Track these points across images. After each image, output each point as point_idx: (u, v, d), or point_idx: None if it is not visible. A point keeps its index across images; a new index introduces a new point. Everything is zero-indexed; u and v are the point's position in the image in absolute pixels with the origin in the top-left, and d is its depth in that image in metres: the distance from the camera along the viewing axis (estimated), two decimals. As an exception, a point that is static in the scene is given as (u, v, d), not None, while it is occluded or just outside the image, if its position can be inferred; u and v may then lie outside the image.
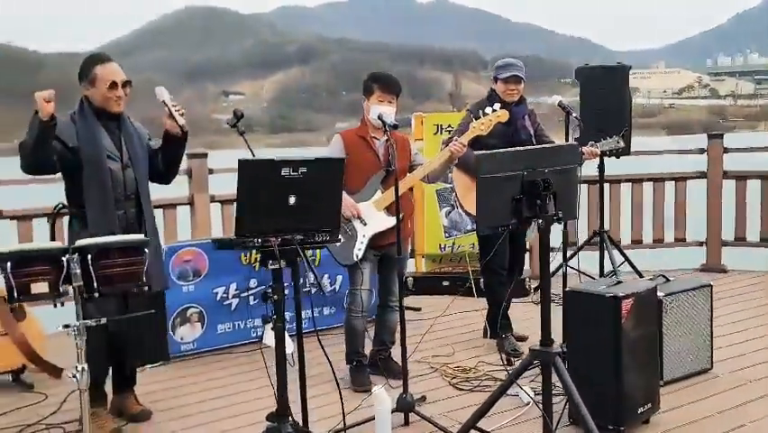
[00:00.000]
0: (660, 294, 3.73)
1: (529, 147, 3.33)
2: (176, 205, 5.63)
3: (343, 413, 3.19)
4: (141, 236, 2.90)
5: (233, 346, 4.82)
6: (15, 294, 2.45)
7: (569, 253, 5.38)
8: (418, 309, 5.57)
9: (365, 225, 3.94)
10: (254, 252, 3.43)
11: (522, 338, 4.75)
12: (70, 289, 2.57)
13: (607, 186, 6.21)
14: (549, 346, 3.00)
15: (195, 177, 5.71)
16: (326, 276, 5.13)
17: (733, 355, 4.35)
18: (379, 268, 4.12)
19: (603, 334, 3.32)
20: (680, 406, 3.65)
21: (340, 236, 3.80)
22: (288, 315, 3.63)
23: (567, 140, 4.62)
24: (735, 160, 6.84)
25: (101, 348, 3.42)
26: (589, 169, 5.61)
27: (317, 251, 4.68)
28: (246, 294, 4.86)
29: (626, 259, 6.00)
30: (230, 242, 2.80)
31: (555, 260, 4.61)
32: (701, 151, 6.75)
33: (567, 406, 3.30)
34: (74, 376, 2.56)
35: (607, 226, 6.07)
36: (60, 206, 3.54)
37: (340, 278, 5.13)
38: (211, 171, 5.78)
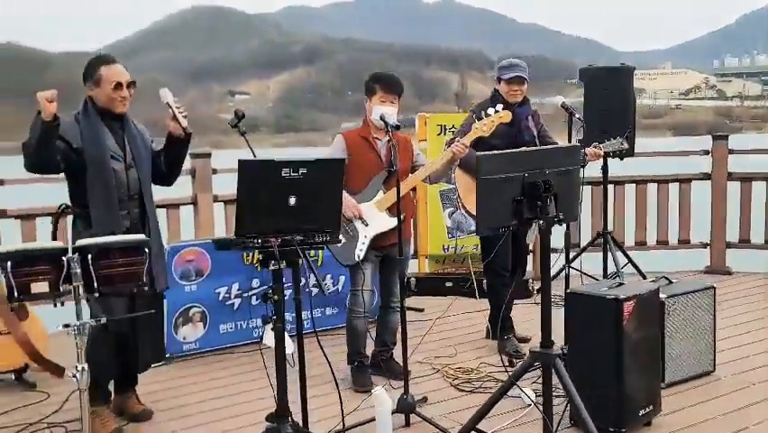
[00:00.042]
0: (662, 296, 3.72)
1: (530, 148, 3.31)
2: (179, 205, 5.64)
3: (342, 414, 3.19)
4: (141, 236, 2.90)
5: (235, 346, 4.82)
6: (15, 294, 2.45)
7: (572, 255, 5.40)
8: (421, 310, 5.56)
9: (367, 225, 3.93)
10: (256, 252, 3.43)
11: (524, 339, 4.75)
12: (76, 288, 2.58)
13: (611, 187, 6.20)
14: (549, 348, 2.99)
15: (198, 177, 5.72)
16: (329, 276, 5.13)
17: (736, 358, 4.33)
18: (381, 269, 4.12)
19: (604, 336, 3.31)
20: (681, 408, 3.64)
21: (341, 237, 3.82)
22: (289, 315, 3.65)
23: (570, 141, 4.62)
24: (741, 161, 6.81)
25: (108, 349, 3.43)
26: (592, 170, 5.60)
27: (319, 251, 4.69)
28: (248, 294, 4.87)
29: (630, 261, 5.98)
30: (229, 242, 2.80)
31: (558, 261, 4.62)
32: (706, 152, 6.72)
33: (568, 408, 3.30)
34: (74, 376, 2.56)
35: (610, 228, 6.06)
36: (64, 206, 3.55)
37: (342, 278, 5.13)
38: (214, 171, 5.78)
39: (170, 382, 4.27)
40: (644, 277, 5.69)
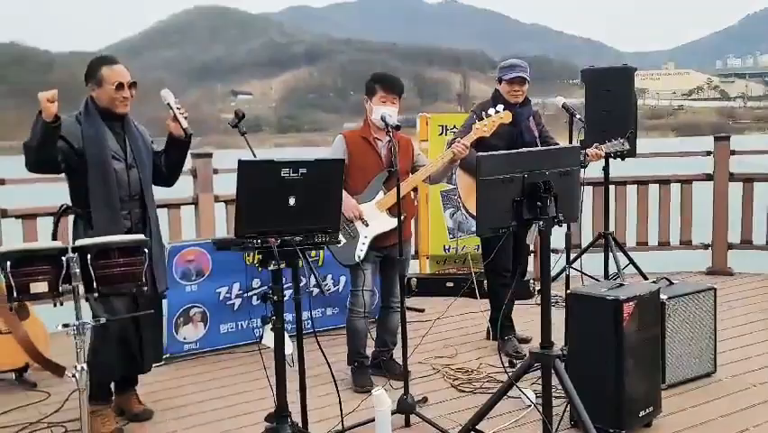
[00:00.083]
0: (663, 297, 3.71)
1: (530, 149, 3.31)
2: (180, 205, 5.64)
3: (342, 414, 3.19)
4: (141, 236, 2.90)
5: (236, 346, 4.82)
6: (15, 293, 2.45)
7: (573, 255, 5.38)
8: (422, 311, 5.57)
9: (367, 226, 3.93)
10: (256, 252, 3.44)
11: (525, 340, 4.74)
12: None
13: (612, 187, 6.18)
14: (549, 349, 2.99)
15: (199, 177, 5.72)
16: (330, 277, 5.13)
17: (737, 359, 4.33)
18: (381, 269, 4.12)
19: (604, 336, 3.31)
20: (682, 409, 3.63)
21: (341, 237, 3.82)
22: (290, 315, 3.65)
23: (571, 141, 4.62)
24: (743, 162, 6.80)
25: (110, 348, 3.43)
26: (594, 170, 5.60)
27: (321, 251, 4.69)
28: (249, 294, 4.87)
29: (631, 261, 5.97)
30: (229, 242, 2.80)
31: (559, 262, 4.62)
32: (708, 153, 6.71)
33: (568, 408, 3.29)
34: (73, 376, 2.56)
35: (612, 228, 6.05)
36: (65, 207, 3.56)
37: (343, 279, 5.13)
38: (215, 171, 5.78)
39: (171, 382, 4.27)
40: (646, 278, 5.68)
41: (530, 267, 6.14)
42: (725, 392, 3.85)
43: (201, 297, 4.74)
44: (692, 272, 6.64)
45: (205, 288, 4.74)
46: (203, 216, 5.73)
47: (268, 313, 2.86)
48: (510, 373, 3.23)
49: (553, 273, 5.64)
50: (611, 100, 5.69)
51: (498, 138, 4.15)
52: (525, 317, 5.08)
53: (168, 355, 4.57)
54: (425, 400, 3.83)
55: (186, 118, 3.51)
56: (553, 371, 2.99)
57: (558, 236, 3.80)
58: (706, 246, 6.80)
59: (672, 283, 3.99)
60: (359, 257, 3.93)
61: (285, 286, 2.88)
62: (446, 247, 6.37)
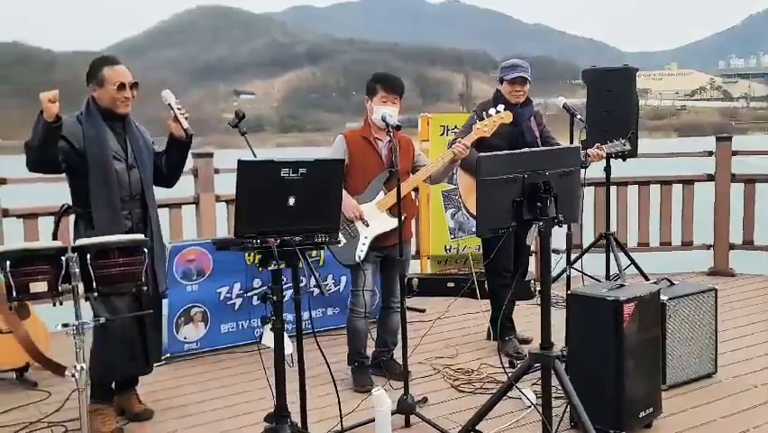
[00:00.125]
0: (663, 298, 3.71)
1: (530, 149, 3.31)
2: (181, 204, 5.65)
3: (341, 414, 3.19)
4: (140, 236, 2.90)
5: (237, 346, 4.82)
6: (14, 293, 2.46)
7: (575, 256, 5.38)
8: (423, 311, 5.56)
9: (367, 226, 3.93)
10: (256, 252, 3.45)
11: (526, 341, 4.74)
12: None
13: (614, 188, 6.17)
14: (548, 350, 2.99)
15: (200, 176, 5.73)
16: (330, 277, 5.13)
17: (738, 360, 4.32)
18: (382, 269, 4.11)
19: (605, 337, 3.30)
20: (682, 410, 3.62)
21: (342, 237, 3.82)
22: (290, 316, 3.65)
23: (571, 142, 4.61)
24: (746, 162, 6.78)
25: (112, 348, 3.43)
26: (595, 171, 5.59)
27: (321, 251, 4.69)
28: (250, 294, 4.87)
29: (632, 262, 5.97)
30: (228, 242, 2.80)
31: (561, 263, 4.61)
32: (709, 153, 6.70)
33: (568, 409, 3.29)
34: (72, 375, 2.56)
35: (613, 229, 6.04)
36: (66, 207, 3.57)
37: (344, 279, 5.13)
38: (217, 171, 5.79)
39: (171, 382, 4.27)
40: (647, 278, 5.68)
41: (531, 267, 6.13)
42: (726, 393, 3.84)
43: (202, 297, 4.74)
44: (694, 273, 6.63)
45: (205, 288, 4.74)
46: (204, 216, 5.73)
47: (268, 313, 2.86)
48: (510, 374, 3.23)
49: (554, 274, 5.66)
50: (612, 100, 5.69)
51: (499, 138, 4.14)
52: (526, 317, 5.07)
53: (168, 355, 4.57)
54: (425, 400, 3.82)
55: (186, 119, 3.51)
56: (552, 372, 2.99)
57: (559, 237, 3.80)
58: (707, 247, 6.79)
59: (672, 284, 3.98)
60: (359, 257, 3.93)
61: (285, 286, 2.89)
62: (447, 247, 6.37)
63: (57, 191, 3.99)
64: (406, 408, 3.52)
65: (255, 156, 2.98)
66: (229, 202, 5.73)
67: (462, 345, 4.80)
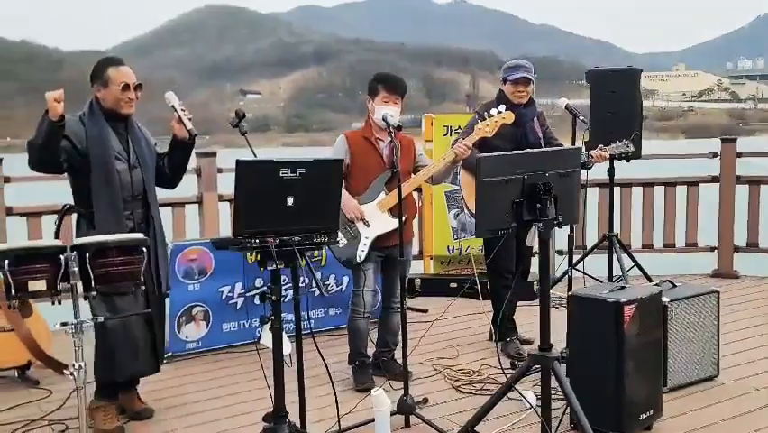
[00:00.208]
0: (665, 300, 3.69)
1: (530, 150, 3.30)
2: (184, 203, 5.66)
3: (338, 414, 3.19)
4: (139, 235, 2.91)
5: (238, 346, 4.83)
6: (13, 291, 2.46)
7: (578, 257, 5.37)
8: (425, 311, 5.56)
9: (368, 226, 3.93)
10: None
11: (527, 342, 4.72)
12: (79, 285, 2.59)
13: (617, 189, 6.16)
14: (548, 351, 2.98)
15: (204, 176, 5.74)
16: (332, 277, 5.13)
17: (740, 363, 4.30)
18: (383, 269, 4.11)
19: (605, 339, 3.29)
20: (683, 413, 3.61)
21: (343, 238, 3.82)
22: (291, 315, 3.65)
23: (574, 142, 4.60)
24: (751, 164, 6.75)
25: (113, 348, 3.44)
26: (599, 172, 5.58)
27: (323, 251, 4.69)
28: (251, 294, 4.87)
29: (636, 263, 5.94)
30: (227, 242, 2.80)
31: (564, 264, 4.61)
32: (714, 155, 6.68)
33: (568, 411, 3.28)
34: (71, 374, 2.57)
35: (617, 230, 6.02)
36: (68, 206, 3.58)
37: (346, 279, 5.13)
38: (220, 171, 5.80)
39: (172, 381, 4.28)
40: (650, 280, 5.66)
41: (534, 268, 6.12)
42: (727, 396, 3.82)
43: (203, 296, 4.75)
44: (698, 275, 6.61)
45: (207, 287, 4.75)
46: (207, 215, 5.74)
47: (266, 313, 2.87)
48: (507, 376, 3.22)
49: (557, 275, 5.66)
50: (616, 101, 5.66)
51: (501, 139, 4.13)
52: (528, 318, 5.05)
53: (170, 354, 4.57)
54: (425, 400, 3.82)
55: (190, 120, 3.53)
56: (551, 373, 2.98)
57: (563, 238, 3.80)
58: (712, 249, 6.76)
59: (674, 286, 3.97)
60: (360, 258, 3.92)
61: (285, 286, 2.88)
62: (450, 248, 6.36)
63: (61, 190, 4.00)
64: (405, 408, 3.52)
65: (255, 156, 2.98)
66: (232, 202, 5.73)
67: (464, 346, 4.79)
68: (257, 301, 4.77)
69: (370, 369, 4.15)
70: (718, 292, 4.05)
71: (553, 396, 3.13)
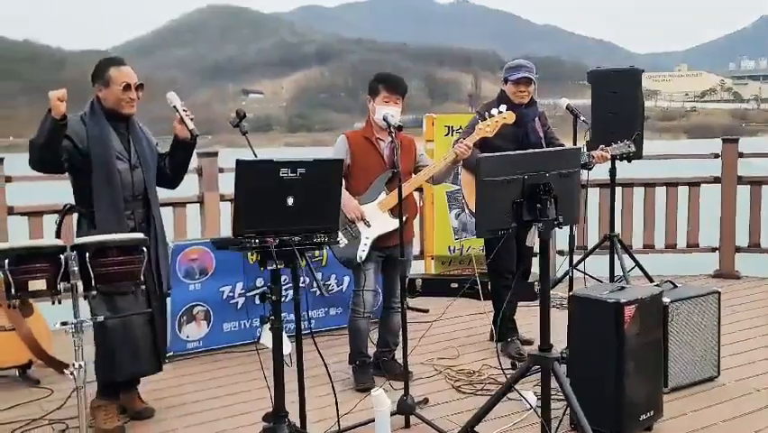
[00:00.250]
0: (665, 300, 3.69)
1: (531, 150, 3.30)
2: (186, 203, 5.66)
3: (338, 414, 3.18)
4: (139, 235, 2.91)
5: (239, 346, 4.83)
6: (13, 291, 2.47)
7: (579, 257, 5.36)
8: (426, 311, 5.55)
9: (369, 226, 3.93)
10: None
11: (528, 342, 4.72)
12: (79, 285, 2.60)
13: (619, 189, 6.15)
14: (548, 351, 2.98)
15: (205, 176, 5.75)
16: (333, 277, 5.13)
17: (741, 363, 4.29)
18: (384, 269, 4.11)
19: (605, 339, 3.29)
20: (683, 414, 3.60)
21: (343, 238, 3.82)
22: (291, 315, 3.65)
23: (575, 143, 4.59)
24: (753, 164, 6.74)
25: (114, 348, 3.45)
26: (601, 172, 5.57)
27: (324, 251, 4.69)
28: (252, 293, 4.87)
29: (637, 264, 5.93)
30: (227, 242, 2.81)
31: (565, 264, 4.60)
32: (716, 155, 6.67)
33: (568, 411, 3.27)
34: (71, 373, 2.57)
35: (618, 231, 6.02)
36: (69, 206, 3.59)
37: (347, 279, 5.13)
38: (221, 170, 5.80)
39: (173, 381, 4.28)
40: (651, 280, 5.66)
41: (535, 268, 6.11)
42: (728, 397, 3.82)
43: (204, 295, 4.75)
44: (699, 275, 6.60)
45: (208, 286, 4.75)
46: (208, 215, 5.75)
47: (266, 313, 2.87)
48: (507, 376, 3.22)
49: (558, 275, 5.65)
50: (618, 102, 5.65)
51: (503, 139, 4.13)
52: (529, 318, 5.05)
53: (171, 354, 4.58)
54: (425, 401, 3.82)
55: (192, 120, 3.54)
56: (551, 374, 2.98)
57: (564, 238, 3.79)
58: (713, 249, 6.75)
59: (675, 286, 3.96)
60: (360, 258, 3.92)
61: (285, 286, 2.88)
62: (451, 248, 6.36)
63: (62, 190, 4.01)
64: (405, 408, 3.52)
65: (255, 156, 2.99)
66: (233, 201, 5.73)
67: (465, 346, 4.79)
68: (257, 301, 4.83)
69: (371, 369, 4.15)
70: (719, 293, 4.04)
71: (553, 396, 3.13)
